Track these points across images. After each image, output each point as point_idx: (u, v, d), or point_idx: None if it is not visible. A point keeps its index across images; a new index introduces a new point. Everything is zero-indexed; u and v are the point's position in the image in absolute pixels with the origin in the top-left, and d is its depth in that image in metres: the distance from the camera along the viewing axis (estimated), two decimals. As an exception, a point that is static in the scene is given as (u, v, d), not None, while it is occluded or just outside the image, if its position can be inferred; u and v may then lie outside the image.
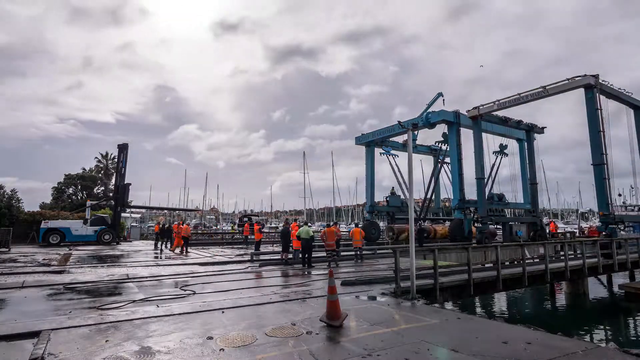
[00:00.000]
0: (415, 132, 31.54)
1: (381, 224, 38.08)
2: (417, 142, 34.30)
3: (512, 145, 32.40)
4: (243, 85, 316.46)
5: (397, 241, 27.46)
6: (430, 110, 29.83)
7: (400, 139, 34.52)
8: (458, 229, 26.10)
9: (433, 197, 33.87)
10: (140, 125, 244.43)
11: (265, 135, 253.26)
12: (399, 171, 33.91)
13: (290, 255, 16.30)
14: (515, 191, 31.55)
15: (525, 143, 29.93)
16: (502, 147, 31.64)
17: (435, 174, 33.14)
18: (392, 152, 33.22)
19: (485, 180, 32.24)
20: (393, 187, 35.29)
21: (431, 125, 28.45)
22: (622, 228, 25.93)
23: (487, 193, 32.00)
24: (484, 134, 30.98)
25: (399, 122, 26.53)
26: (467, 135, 28.42)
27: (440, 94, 31.49)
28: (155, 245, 24.46)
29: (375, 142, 33.63)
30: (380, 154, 33.92)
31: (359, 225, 20.96)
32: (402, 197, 34.48)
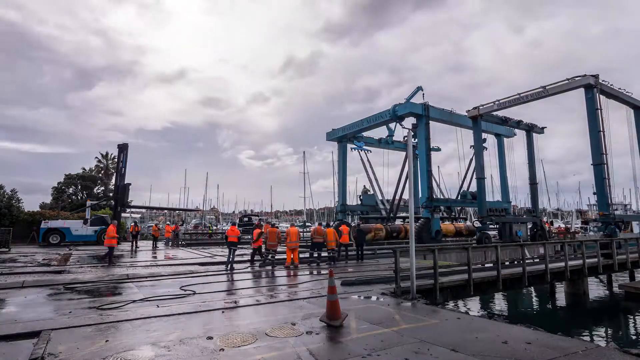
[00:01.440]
0: (392, 127, 30.04)
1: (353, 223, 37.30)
2: (395, 138, 32.34)
3: (513, 143, 31.99)
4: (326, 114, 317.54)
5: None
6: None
7: (374, 134, 32.87)
8: (424, 229, 24.89)
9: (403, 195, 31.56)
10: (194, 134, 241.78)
11: (325, 150, 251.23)
12: (371, 167, 32.49)
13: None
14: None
15: (528, 140, 29.10)
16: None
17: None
18: (365, 147, 31.46)
19: (463, 177, 31.87)
20: (364, 185, 34.13)
21: (399, 119, 27.11)
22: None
23: (461, 191, 31.60)
24: (459, 129, 30.19)
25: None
26: (438, 130, 27.90)
27: (419, 88, 28.73)
28: (153, 245, 25.49)
29: (347, 138, 32.04)
30: (352, 149, 32.04)
31: (331, 225, 20.38)
32: (373, 194, 32.99)
